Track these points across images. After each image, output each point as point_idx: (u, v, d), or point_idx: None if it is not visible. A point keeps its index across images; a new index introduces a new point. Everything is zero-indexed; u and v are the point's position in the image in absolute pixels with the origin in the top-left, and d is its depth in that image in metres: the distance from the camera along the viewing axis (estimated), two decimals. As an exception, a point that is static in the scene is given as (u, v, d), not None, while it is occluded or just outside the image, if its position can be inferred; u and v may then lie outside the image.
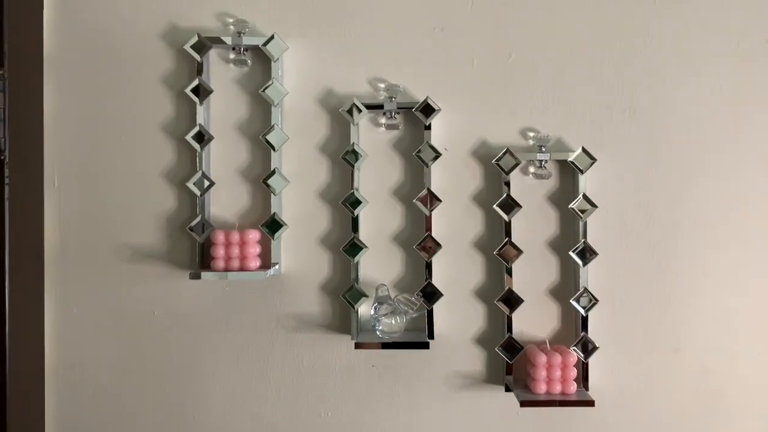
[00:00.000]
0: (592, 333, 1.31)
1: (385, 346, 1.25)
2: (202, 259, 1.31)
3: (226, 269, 1.26)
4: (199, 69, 1.30)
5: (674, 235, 1.33)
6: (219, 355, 1.35)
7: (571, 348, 1.28)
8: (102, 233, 1.35)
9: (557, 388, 1.24)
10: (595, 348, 1.28)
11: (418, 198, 1.29)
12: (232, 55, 1.34)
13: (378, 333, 1.27)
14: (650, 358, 1.34)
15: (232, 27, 1.33)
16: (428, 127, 1.30)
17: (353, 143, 1.29)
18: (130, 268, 1.35)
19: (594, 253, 1.28)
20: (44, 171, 1.34)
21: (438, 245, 1.29)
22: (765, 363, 1.34)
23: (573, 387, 1.25)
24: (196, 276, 1.24)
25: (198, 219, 1.29)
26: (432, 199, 1.29)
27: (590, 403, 1.22)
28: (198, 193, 1.29)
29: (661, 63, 1.34)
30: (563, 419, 1.33)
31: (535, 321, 1.34)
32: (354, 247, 1.29)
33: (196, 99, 1.29)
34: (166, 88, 1.34)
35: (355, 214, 1.29)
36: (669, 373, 1.33)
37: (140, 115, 1.34)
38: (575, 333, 1.33)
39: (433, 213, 1.31)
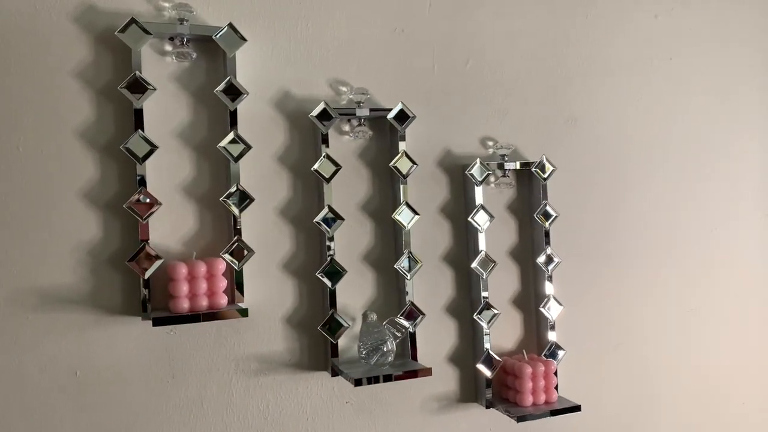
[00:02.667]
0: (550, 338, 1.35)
1: (387, 378, 1.13)
2: (146, 300, 1.05)
3: (192, 310, 1.03)
4: (135, 62, 1.05)
5: (616, 238, 1.44)
6: (166, 416, 1.11)
7: (543, 355, 1.31)
8: (2, 273, 1.02)
9: (542, 398, 1.26)
10: (563, 353, 1.33)
11: (397, 213, 1.20)
12: (169, 47, 1.11)
13: (376, 364, 1.15)
14: (597, 354, 1.43)
15: (170, 12, 1.10)
16: (403, 137, 1.22)
17: (325, 154, 1.16)
18: (40, 318, 1.03)
19: (556, 261, 1.32)
20: None
21: (419, 261, 1.22)
22: (694, 352, 1.52)
23: (555, 395, 1.28)
24: (162, 321, 1.00)
25: (141, 248, 1.04)
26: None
27: (577, 408, 1.26)
28: (140, 217, 1.04)
29: (594, 75, 1.44)
30: (546, 428, 1.36)
31: (501, 332, 1.34)
32: (332, 272, 1.16)
33: (133, 99, 1.04)
34: (83, 84, 1.06)
35: (332, 234, 1.16)
36: (613, 366, 1.44)
37: (47, 119, 1.04)
38: (537, 340, 1.36)
39: (407, 227, 1.23)
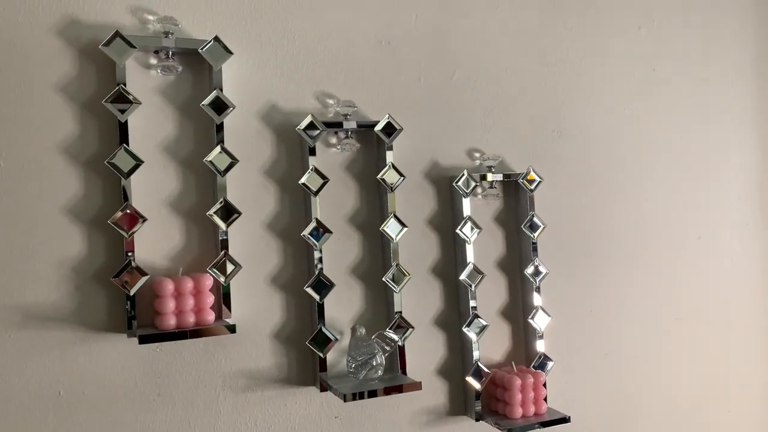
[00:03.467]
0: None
1: (375, 393, 1.12)
2: (132, 317, 1.04)
3: (179, 327, 1.02)
4: (119, 76, 1.04)
5: (604, 248, 1.46)
6: (151, 434, 1.09)
7: (531, 366, 1.31)
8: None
9: (531, 410, 1.26)
10: (552, 364, 1.33)
11: (384, 225, 1.20)
12: (154, 60, 1.10)
13: (365, 378, 1.14)
14: (586, 364, 1.43)
15: (155, 26, 1.09)
16: (390, 148, 1.22)
17: (312, 167, 1.15)
18: (22, 336, 1.02)
19: (543, 273, 1.33)
20: None
21: (407, 274, 1.22)
22: (667, 360, 1.53)
23: (544, 406, 1.28)
24: (148, 339, 0.99)
25: (126, 265, 1.02)
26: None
27: (566, 420, 1.26)
28: (125, 233, 1.03)
29: (579, 87, 1.45)
30: None
31: (489, 344, 1.35)
32: (320, 285, 1.15)
33: (118, 114, 1.03)
34: (66, 98, 1.05)
35: (319, 247, 1.15)
36: (601, 378, 1.45)
37: (30, 134, 1.03)
38: (526, 351, 1.36)
39: (394, 240, 1.23)
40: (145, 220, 1.04)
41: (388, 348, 1.17)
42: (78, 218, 1.05)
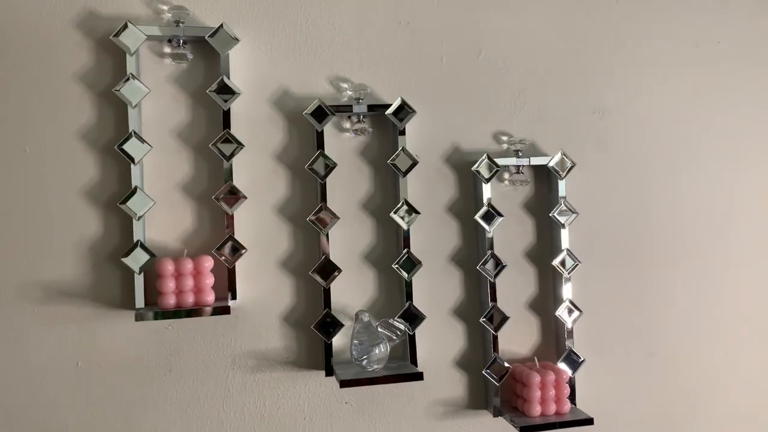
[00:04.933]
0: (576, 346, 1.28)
1: (373, 381, 1.12)
2: (143, 295, 1.10)
3: (179, 306, 1.07)
4: (131, 65, 1.09)
5: (649, 239, 1.34)
6: (163, 410, 1.15)
7: (558, 363, 1.24)
8: (6, 268, 1.09)
9: (552, 408, 1.19)
10: (581, 362, 1.25)
11: (394, 211, 1.18)
12: (167, 49, 1.15)
13: (365, 366, 1.14)
14: (627, 364, 1.33)
15: (167, 15, 1.13)
16: (402, 132, 1.19)
17: (320, 152, 1.15)
18: (44, 310, 1.10)
19: (577, 261, 1.25)
20: None
21: (418, 263, 1.19)
22: (732, 363, 1.38)
23: (567, 406, 1.21)
24: (143, 317, 1.04)
25: (136, 245, 1.08)
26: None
27: (589, 421, 1.18)
28: (135, 215, 1.08)
29: (625, 64, 1.34)
30: None
31: (515, 337, 1.29)
32: (326, 270, 1.15)
33: (128, 101, 1.08)
34: (84, 87, 1.12)
35: (326, 233, 1.16)
36: (645, 378, 1.34)
37: (51, 122, 1.11)
38: (556, 347, 1.29)
39: (411, 227, 1.21)
40: (153, 202, 1.09)
41: (394, 337, 1.15)
42: (95, 201, 1.12)
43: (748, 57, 1.41)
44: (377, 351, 1.13)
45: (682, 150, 1.37)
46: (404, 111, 1.18)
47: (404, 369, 1.16)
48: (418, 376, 1.13)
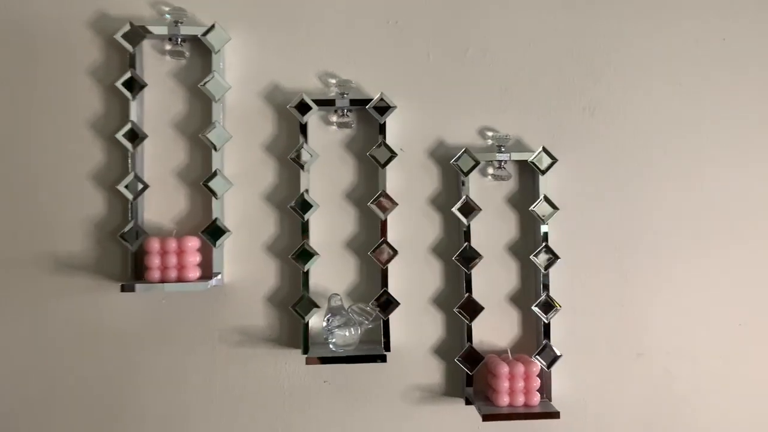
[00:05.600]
0: (554, 339, 1.29)
1: (339, 360, 1.19)
2: (135, 270, 1.22)
3: (163, 280, 1.17)
4: (132, 61, 1.21)
5: (635, 237, 1.33)
6: (155, 375, 1.26)
7: (533, 357, 1.26)
8: (22, 242, 1.24)
9: (520, 399, 1.21)
10: (557, 357, 1.26)
11: (372, 201, 1.23)
12: (168, 47, 1.26)
13: (331, 346, 1.21)
14: (612, 363, 1.32)
15: (168, 16, 1.24)
16: (383, 126, 1.25)
17: (302, 143, 1.23)
18: (54, 279, 1.24)
19: (555, 257, 1.26)
20: (-47, 173, 1.23)
21: (394, 251, 1.24)
22: (723, 364, 1.34)
23: (536, 398, 1.22)
24: (129, 288, 1.15)
25: (130, 225, 1.20)
26: (388, 203, 1.24)
27: (555, 415, 1.20)
28: (130, 197, 1.20)
29: (619, 61, 1.33)
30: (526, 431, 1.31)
31: (494, 329, 1.31)
32: (304, 255, 1.23)
33: (128, 94, 1.20)
34: (94, 81, 1.25)
35: (305, 219, 1.23)
36: (632, 379, 1.33)
37: (65, 112, 1.25)
38: (536, 341, 1.30)
39: (389, 217, 1.26)
40: (146, 186, 1.21)
41: (365, 321, 1.21)
42: (101, 184, 1.25)
43: (741, 56, 1.36)
44: (347, 333, 1.20)
45: (673, 148, 1.34)
46: (384, 105, 1.24)
47: (368, 351, 1.22)
48: (381, 358, 1.19)
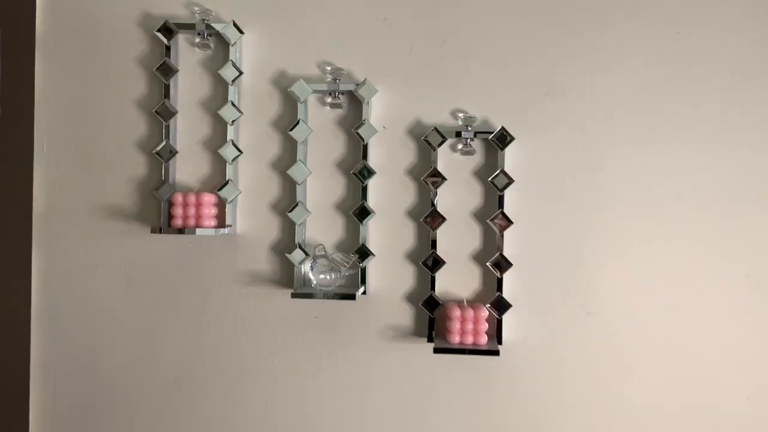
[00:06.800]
0: (510, 294, 1.50)
1: (313, 296, 1.47)
2: (168, 219, 1.53)
3: (184, 226, 1.49)
4: (167, 52, 1.52)
5: (587, 206, 1.52)
6: (182, 306, 1.59)
7: (486, 306, 1.48)
8: (83, 194, 1.59)
9: (469, 339, 1.45)
10: (508, 306, 1.48)
11: (354, 171, 1.49)
12: (197, 40, 1.56)
13: (313, 286, 1.48)
14: (561, 317, 1.53)
15: (197, 15, 1.54)
16: (366, 104, 1.50)
17: (299, 119, 1.50)
18: (106, 225, 1.59)
19: (509, 222, 1.48)
20: (34, 140, 1.59)
21: (372, 211, 1.49)
22: (667, 326, 1.51)
23: (484, 339, 1.45)
24: (156, 230, 1.48)
25: (162, 183, 1.51)
26: (368, 172, 1.50)
27: (495, 353, 1.42)
28: (163, 160, 1.52)
29: (579, 50, 1.52)
30: (476, 366, 1.53)
31: (458, 283, 1.54)
32: (298, 213, 1.51)
33: (163, 78, 1.51)
34: (141, 68, 1.57)
35: (300, 182, 1.51)
36: (577, 332, 1.52)
37: (117, 92, 1.58)
38: (493, 293, 1.53)
39: (370, 184, 1.52)
40: (176, 152, 1.52)
41: (344, 267, 1.48)
42: (144, 150, 1.58)
43: (692, 47, 1.51)
44: (328, 277, 1.47)
45: (624, 127, 1.52)
46: (368, 88, 1.49)
47: (342, 290, 1.49)
48: (351, 297, 1.46)
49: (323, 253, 1.50)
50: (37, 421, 1.62)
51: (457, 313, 1.45)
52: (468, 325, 1.45)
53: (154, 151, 1.52)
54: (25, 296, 1.59)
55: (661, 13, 1.51)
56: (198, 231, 1.48)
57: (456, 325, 1.45)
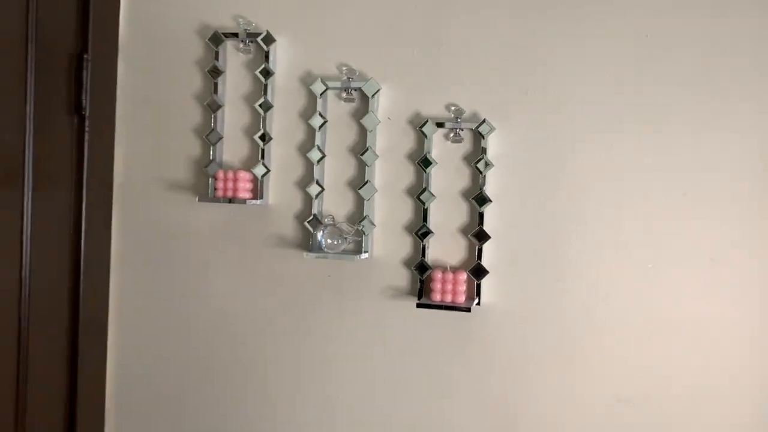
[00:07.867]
0: (490, 263, 1.75)
1: (321, 257, 1.79)
2: (213, 190, 1.90)
3: (224, 196, 1.85)
4: (216, 56, 1.89)
5: (560, 188, 1.74)
6: (221, 268, 1.95)
7: (467, 271, 1.74)
8: (153, 171, 1.99)
9: (449, 297, 1.71)
10: (485, 272, 1.73)
11: (361, 153, 1.80)
12: (240, 46, 1.91)
13: (323, 249, 1.80)
14: (534, 284, 1.76)
15: (241, 25, 1.90)
16: (372, 98, 1.80)
17: (318, 111, 1.82)
18: (169, 196, 1.98)
19: (488, 200, 1.73)
20: (116, 126, 2.01)
21: (375, 190, 1.79)
22: (639, 297, 1.71)
23: (461, 298, 1.72)
24: (204, 199, 1.85)
25: (210, 162, 1.88)
26: (373, 155, 1.79)
27: (467, 309, 1.69)
28: (211, 143, 1.89)
29: (555, 53, 1.73)
30: (456, 322, 1.80)
31: (447, 252, 1.81)
32: (316, 187, 1.83)
33: (212, 77, 1.88)
34: (198, 69, 1.95)
35: (317, 162, 1.83)
36: (548, 296, 1.75)
37: (179, 88, 1.97)
38: (474, 261, 1.78)
39: (376, 166, 1.82)
40: (221, 137, 1.89)
41: (349, 234, 1.79)
42: (199, 136, 1.96)
43: (662, 50, 1.68)
44: (335, 242, 1.79)
45: (593, 120, 1.72)
46: (370, 85, 1.79)
47: (349, 253, 1.79)
48: (350, 258, 1.76)
49: (332, 222, 1.82)
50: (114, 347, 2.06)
51: (439, 275, 1.72)
52: (448, 286, 1.72)
53: (204, 136, 1.90)
54: (106, 247, 2.02)
55: (632, 21, 1.70)
56: (235, 201, 1.84)
57: (438, 285, 1.73)
